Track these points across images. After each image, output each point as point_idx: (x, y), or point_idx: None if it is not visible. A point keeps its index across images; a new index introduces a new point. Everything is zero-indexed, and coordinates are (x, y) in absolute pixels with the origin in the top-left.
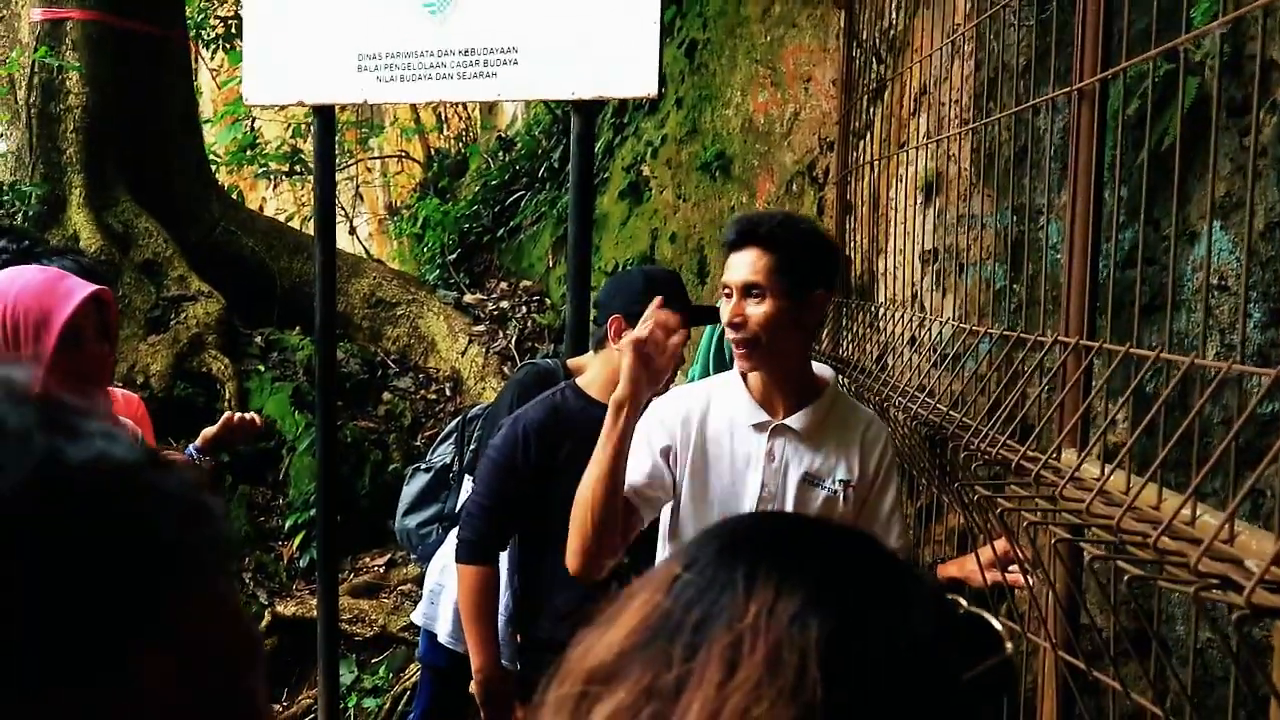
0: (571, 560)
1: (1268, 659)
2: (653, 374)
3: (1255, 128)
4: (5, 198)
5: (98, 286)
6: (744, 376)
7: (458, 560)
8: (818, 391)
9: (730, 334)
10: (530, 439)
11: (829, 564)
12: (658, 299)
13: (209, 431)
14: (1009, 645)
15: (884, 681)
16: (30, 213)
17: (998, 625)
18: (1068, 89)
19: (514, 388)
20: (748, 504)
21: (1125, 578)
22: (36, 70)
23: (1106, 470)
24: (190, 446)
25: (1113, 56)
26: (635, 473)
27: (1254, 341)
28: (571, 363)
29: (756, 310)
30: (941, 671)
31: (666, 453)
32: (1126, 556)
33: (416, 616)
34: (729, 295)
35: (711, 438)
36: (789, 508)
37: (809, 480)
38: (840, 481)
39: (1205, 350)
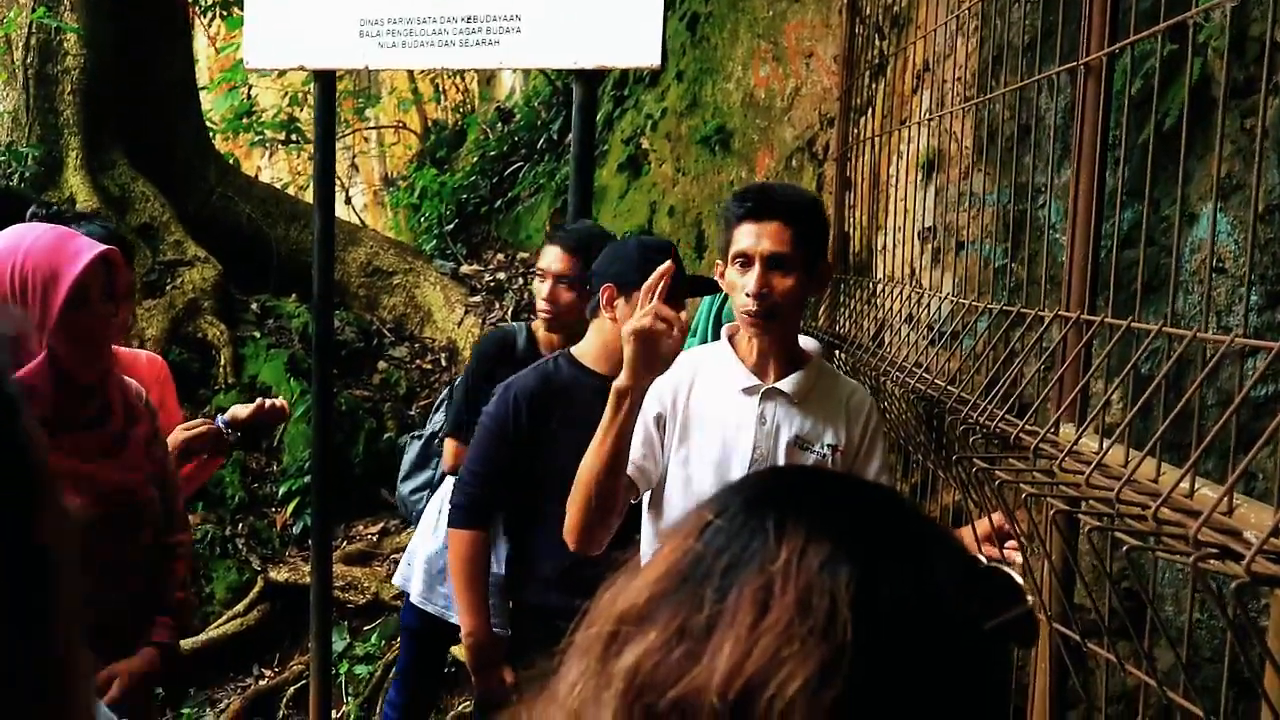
0: (570, 536)
1: (1260, 637)
2: (655, 362)
3: (1263, 109)
4: (2, 159)
5: (106, 247)
6: (731, 342)
7: (450, 525)
8: (804, 360)
9: (749, 304)
10: (522, 406)
11: (857, 514)
12: (667, 264)
13: (240, 411)
14: (1030, 598)
15: (910, 626)
16: (27, 174)
17: (1019, 579)
18: (1074, 64)
19: (474, 352)
20: (738, 466)
21: (1124, 548)
22: (34, 31)
23: (1105, 445)
24: (220, 418)
25: (1119, 33)
26: (635, 447)
27: (1251, 324)
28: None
29: (783, 282)
30: (965, 619)
31: (659, 420)
32: (1125, 527)
33: (396, 579)
34: (745, 264)
35: (702, 402)
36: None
37: (799, 444)
38: (829, 446)
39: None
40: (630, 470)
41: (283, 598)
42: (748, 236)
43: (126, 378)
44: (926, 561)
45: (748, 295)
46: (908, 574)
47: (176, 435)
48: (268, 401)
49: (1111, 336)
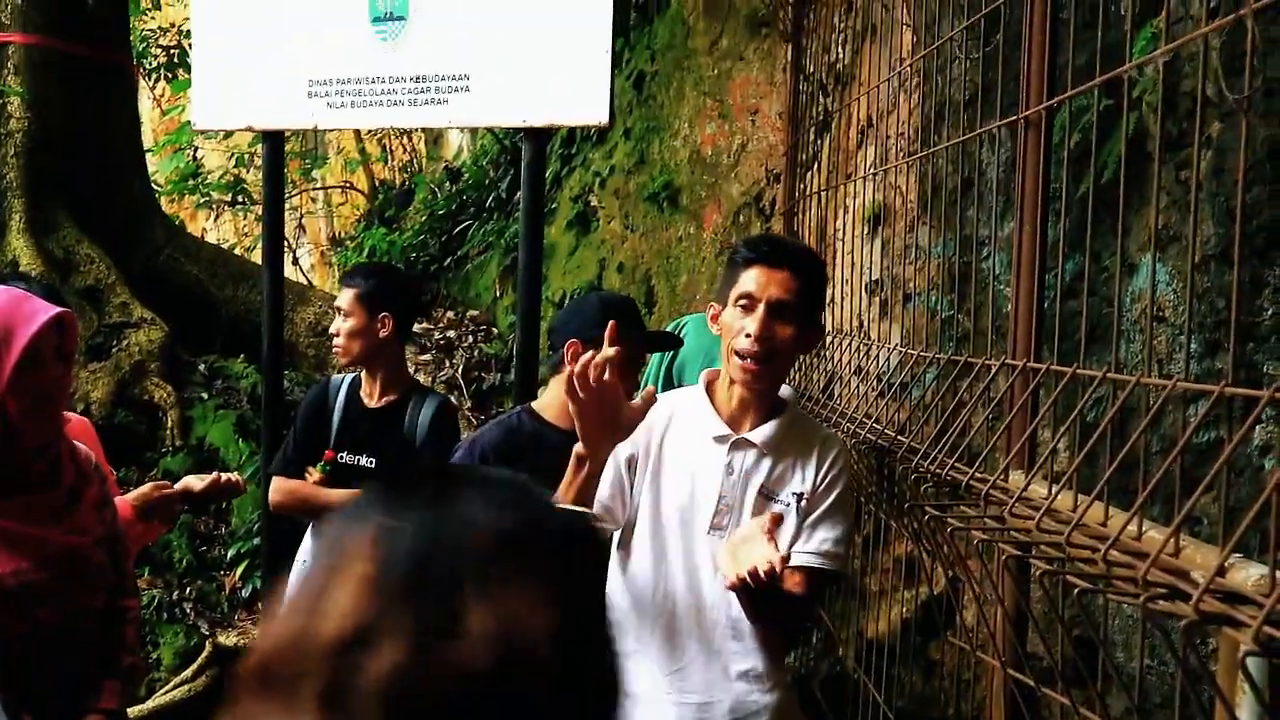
0: None
1: (1210, 677)
2: (616, 429)
3: (1196, 161)
4: None
5: (60, 309)
6: (709, 389)
7: None
8: (781, 408)
9: (748, 345)
10: (488, 459)
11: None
12: (612, 324)
13: (194, 484)
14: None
15: (433, 559)
16: None
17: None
18: (1014, 118)
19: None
20: (704, 514)
21: (1075, 590)
22: None
23: (1053, 490)
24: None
25: (1057, 88)
26: (603, 488)
27: (1191, 371)
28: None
29: (783, 330)
30: (536, 550)
31: (630, 462)
32: (1075, 570)
33: None
34: (748, 308)
35: (673, 448)
36: (745, 518)
37: (765, 494)
38: (794, 495)
39: (1148, 374)
40: (597, 509)
41: (233, 663)
42: (755, 280)
43: (76, 442)
44: (457, 508)
45: (748, 336)
46: (433, 520)
47: (145, 492)
48: (224, 476)
49: (1057, 384)
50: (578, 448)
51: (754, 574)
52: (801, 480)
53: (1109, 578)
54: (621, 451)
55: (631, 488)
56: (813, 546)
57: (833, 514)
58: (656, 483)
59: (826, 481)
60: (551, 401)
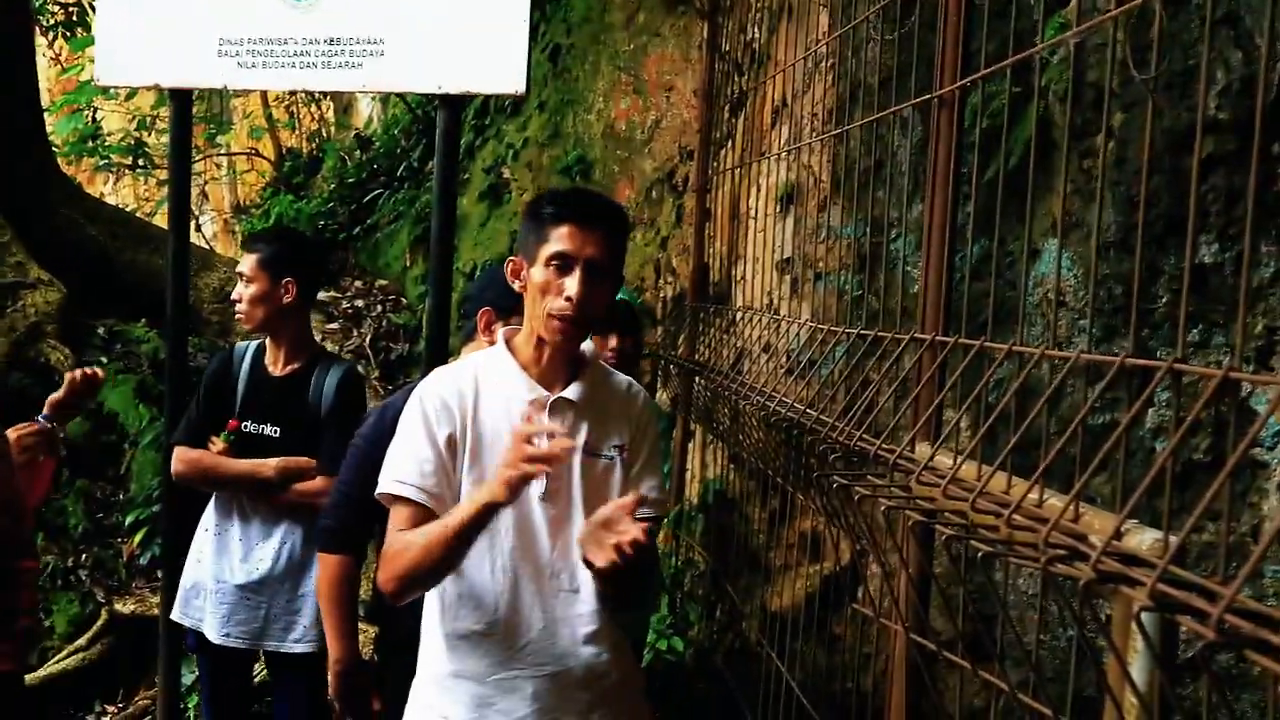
0: (388, 586)
1: (1105, 640)
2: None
3: (1104, 153)
4: None
5: None
6: (510, 348)
7: (319, 549)
8: (585, 363)
9: (567, 309)
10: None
11: None
12: (547, 427)
13: (55, 396)
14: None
15: None
16: None
17: None
18: (928, 96)
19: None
20: (535, 482)
21: (979, 555)
22: None
23: (957, 460)
24: (40, 415)
25: (971, 69)
26: (429, 475)
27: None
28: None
29: (600, 290)
30: None
31: (450, 442)
32: (980, 536)
33: None
34: (564, 268)
35: (488, 417)
36: (575, 481)
37: (589, 451)
38: (615, 447)
39: (1042, 366)
40: (426, 500)
41: (128, 631)
42: (570, 240)
43: None
44: None
45: (568, 300)
46: None
47: (12, 438)
48: (78, 371)
49: (962, 360)
50: (488, 497)
51: (622, 551)
52: (619, 434)
53: (1011, 542)
54: (439, 431)
55: (454, 469)
56: (646, 490)
57: (652, 462)
58: (479, 458)
59: (641, 430)
60: None
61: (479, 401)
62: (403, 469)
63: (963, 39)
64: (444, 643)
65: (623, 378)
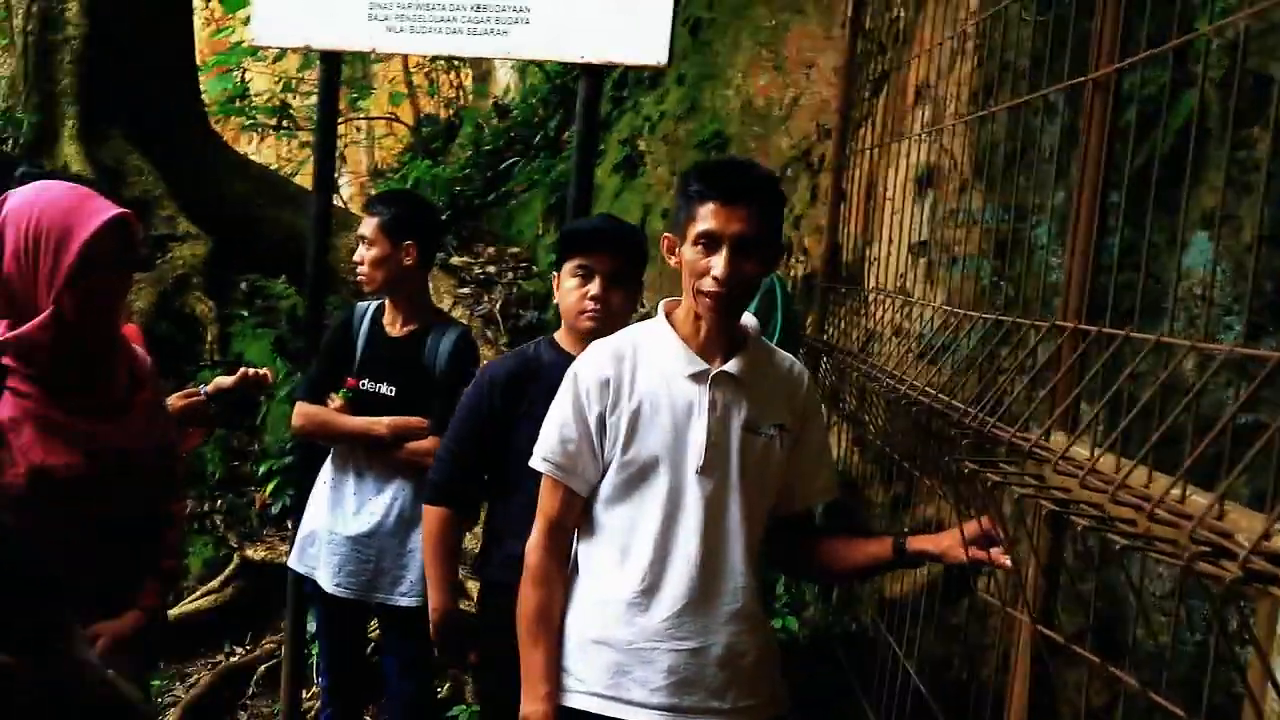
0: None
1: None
2: None
3: (1272, 144)
4: None
5: (122, 210)
6: (669, 320)
7: (424, 501)
8: (745, 339)
9: (714, 287)
10: (496, 387)
11: None
12: None
13: (224, 380)
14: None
15: None
16: (23, 141)
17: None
18: (1081, 79)
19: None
20: (693, 456)
21: (1116, 547)
22: None
23: (1096, 452)
24: (203, 387)
25: (1129, 51)
26: (569, 452)
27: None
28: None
29: (748, 266)
30: None
31: (601, 420)
32: (1117, 529)
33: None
34: (710, 246)
35: (646, 392)
36: (733, 456)
37: (749, 427)
38: (775, 426)
39: (1186, 361)
40: (559, 475)
41: (258, 576)
42: (716, 218)
43: (134, 345)
44: None
45: (715, 279)
46: None
47: (172, 401)
48: (251, 370)
49: (1104, 350)
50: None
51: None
52: (779, 412)
53: (1152, 537)
54: (590, 409)
55: (603, 448)
56: (824, 482)
57: (825, 451)
58: (635, 432)
59: (805, 410)
60: (567, 331)
61: (636, 373)
62: (546, 442)
63: (1124, 16)
64: (589, 608)
65: (785, 355)
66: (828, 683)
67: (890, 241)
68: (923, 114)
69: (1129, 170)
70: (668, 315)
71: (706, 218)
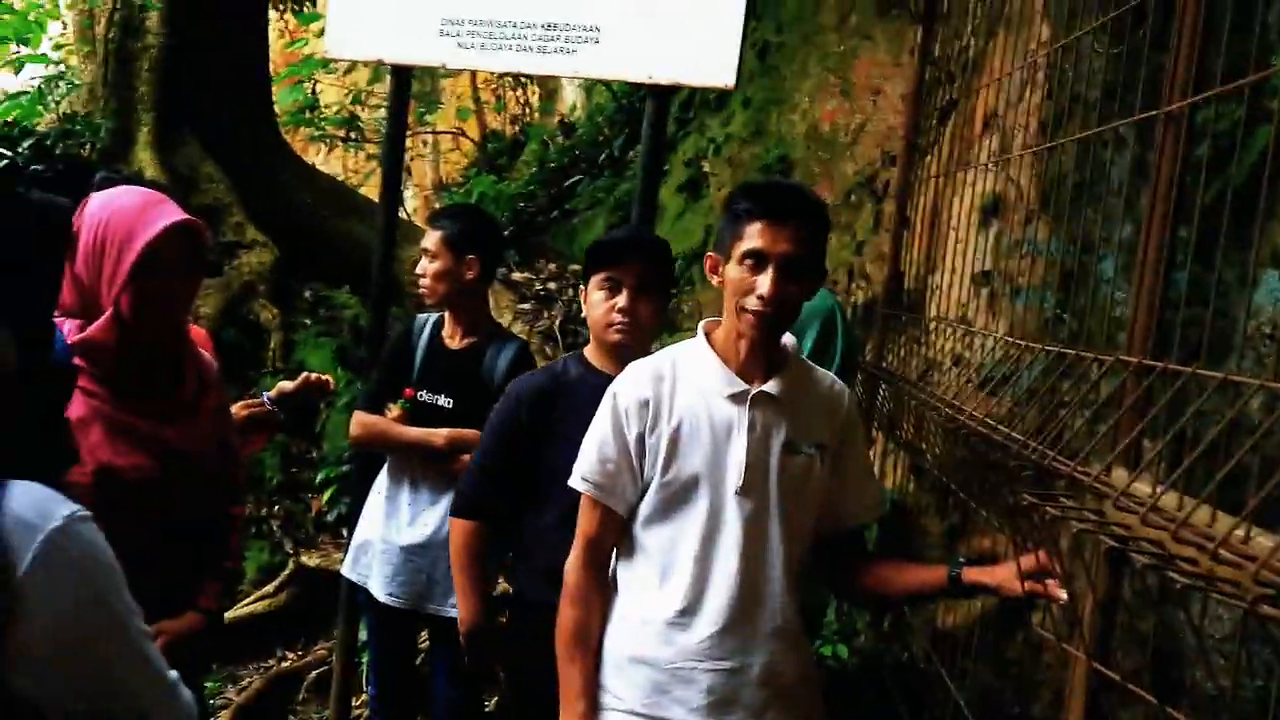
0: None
1: None
2: None
3: None
4: (77, 128)
5: (188, 217)
6: (709, 340)
7: (451, 513)
8: (785, 357)
9: (760, 306)
10: (524, 403)
11: None
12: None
13: (285, 385)
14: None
15: None
16: (100, 146)
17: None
18: (1154, 113)
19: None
20: (733, 476)
21: (1178, 586)
22: (118, 6)
23: (1157, 490)
24: (265, 395)
25: (1204, 86)
26: (608, 472)
27: None
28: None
29: (794, 286)
30: None
31: (640, 441)
32: (1178, 568)
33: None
34: (757, 265)
35: (686, 412)
36: (773, 477)
37: (789, 447)
38: (815, 445)
39: (1253, 400)
40: (597, 494)
41: (312, 583)
42: (762, 237)
43: (201, 350)
44: None
45: (760, 298)
46: None
47: (236, 410)
48: (312, 375)
49: (1168, 387)
50: None
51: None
52: (820, 430)
53: (1214, 577)
54: (629, 429)
55: (643, 469)
56: (870, 500)
57: (868, 470)
58: (674, 453)
59: (846, 430)
60: (596, 347)
61: (675, 393)
62: (586, 462)
63: (1200, 50)
64: (629, 628)
65: (824, 373)
66: (876, 712)
67: (953, 270)
68: (990, 143)
69: (1199, 205)
70: (707, 335)
71: (753, 236)
